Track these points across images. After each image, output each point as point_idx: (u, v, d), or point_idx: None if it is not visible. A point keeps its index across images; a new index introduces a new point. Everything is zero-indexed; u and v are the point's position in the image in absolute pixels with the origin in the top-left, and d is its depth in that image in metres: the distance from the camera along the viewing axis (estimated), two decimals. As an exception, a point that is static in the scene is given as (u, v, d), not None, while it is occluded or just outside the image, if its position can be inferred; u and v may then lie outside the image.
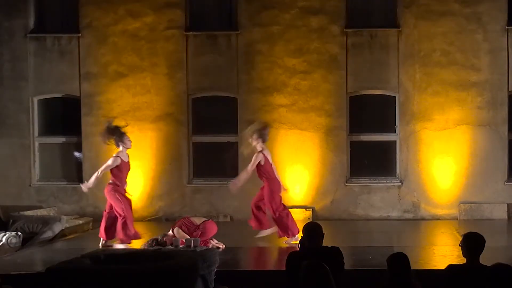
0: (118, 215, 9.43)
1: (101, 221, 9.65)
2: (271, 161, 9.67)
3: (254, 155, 9.54)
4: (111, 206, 9.50)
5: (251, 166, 9.49)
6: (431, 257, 8.70)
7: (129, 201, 9.58)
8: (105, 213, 9.58)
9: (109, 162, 9.45)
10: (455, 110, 12.68)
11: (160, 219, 12.86)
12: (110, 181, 9.49)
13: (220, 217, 12.68)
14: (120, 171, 9.46)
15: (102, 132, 9.76)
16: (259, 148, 9.58)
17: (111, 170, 9.47)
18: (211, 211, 12.77)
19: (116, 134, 9.56)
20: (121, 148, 9.55)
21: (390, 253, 5.21)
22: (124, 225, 9.40)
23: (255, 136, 9.57)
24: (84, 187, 9.61)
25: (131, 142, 9.65)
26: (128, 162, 9.64)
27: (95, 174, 9.46)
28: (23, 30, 13.24)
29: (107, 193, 9.46)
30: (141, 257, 6.62)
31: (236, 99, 13.08)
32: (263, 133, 9.63)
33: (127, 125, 9.73)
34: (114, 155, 9.52)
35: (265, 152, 9.58)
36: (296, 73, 12.87)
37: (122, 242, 9.44)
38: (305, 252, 5.62)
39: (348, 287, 5.61)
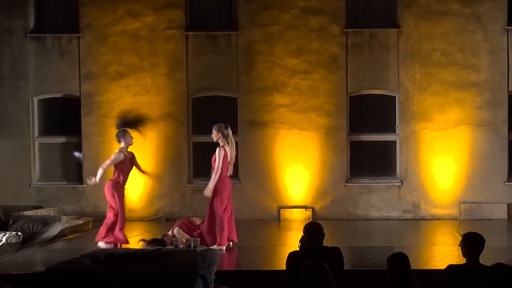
0: (111, 212, 9.38)
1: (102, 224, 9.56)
2: (229, 158, 9.26)
3: (217, 151, 9.17)
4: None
5: (218, 164, 9.08)
6: (431, 257, 8.69)
7: (124, 204, 9.56)
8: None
9: (113, 157, 9.46)
10: (455, 110, 12.68)
11: (160, 219, 12.86)
12: (112, 178, 9.48)
13: (220, 217, 12.65)
14: (123, 167, 9.45)
15: (118, 121, 9.80)
16: (221, 143, 9.25)
17: (114, 166, 9.46)
18: (211, 211, 12.75)
19: (121, 130, 9.74)
20: (122, 144, 9.55)
21: (390, 253, 5.21)
22: (113, 224, 9.36)
23: (214, 131, 9.27)
24: (89, 181, 9.53)
25: (133, 138, 9.70)
26: (131, 159, 9.60)
27: (100, 171, 9.40)
28: (23, 30, 13.23)
29: (106, 190, 9.44)
30: (141, 257, 6.61)
31: (236, 99, 13.08)
32: (222, 127, 9.27)
33: (139, 131, 9.79)
34: (117, 150, 9.53)
35: (226, 148, 9.23)
36: (296, 73, 12.87)
37: (103, 239, 9.30)
38: (305, 252, 5.61)
39: (348, 287, 5.61)
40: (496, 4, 12.57)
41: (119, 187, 9.45)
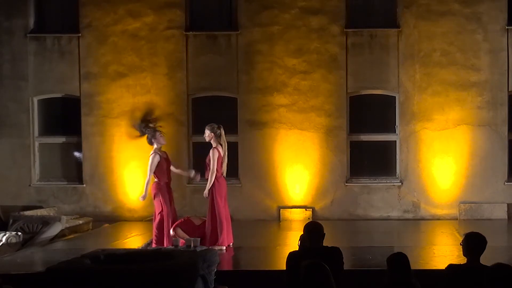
0: (157, 215, 9.29)
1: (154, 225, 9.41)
2: (222, 158, 9.24)
3: (210, 152, 9.15)
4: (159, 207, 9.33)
5: (213, 165, 9.07)
6: (431, 257, 8.69)
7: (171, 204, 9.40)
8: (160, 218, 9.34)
9: (150, 161, 9.28)
10: (455, 110, 12.68)
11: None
12: (155, 180, 9.33)
13: (220, 217, 12.65)
14: (161, 168, 9.31)
15: (137, 123, 9.59)
16: (213, 143, 9.23)
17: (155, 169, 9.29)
18: (211, 211, 12.74)
19: (150, 131, 9.53)
20: (155, 145, 9.39)
21: (390, 253, 5.20)
22: (160, 224, 9.25)
23: (207, 132, 9.23)
24: (142, 198, 9.46)
25: (164, 138, 9.50)
26: (167, 157, 9.47)
27: (146, 181, 9.27)
28: (23, 30, 13.24)
29: (152, 192, 9.32)
30: (141, 257, 6.62)
31: (236, 99, 13.08)
32: (215, 128, 9.23)
33: (160, 126, 9.57)
34: (151, 152, 9.33)
35: (219, 149, 9.21)
36: (296, 73, 12.87)
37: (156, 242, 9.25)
38: (305, 252, 5.61)
39: (348, 287, 5.61)
40: (496, 4, 12.57)
41: (161, 189, 9.28)
